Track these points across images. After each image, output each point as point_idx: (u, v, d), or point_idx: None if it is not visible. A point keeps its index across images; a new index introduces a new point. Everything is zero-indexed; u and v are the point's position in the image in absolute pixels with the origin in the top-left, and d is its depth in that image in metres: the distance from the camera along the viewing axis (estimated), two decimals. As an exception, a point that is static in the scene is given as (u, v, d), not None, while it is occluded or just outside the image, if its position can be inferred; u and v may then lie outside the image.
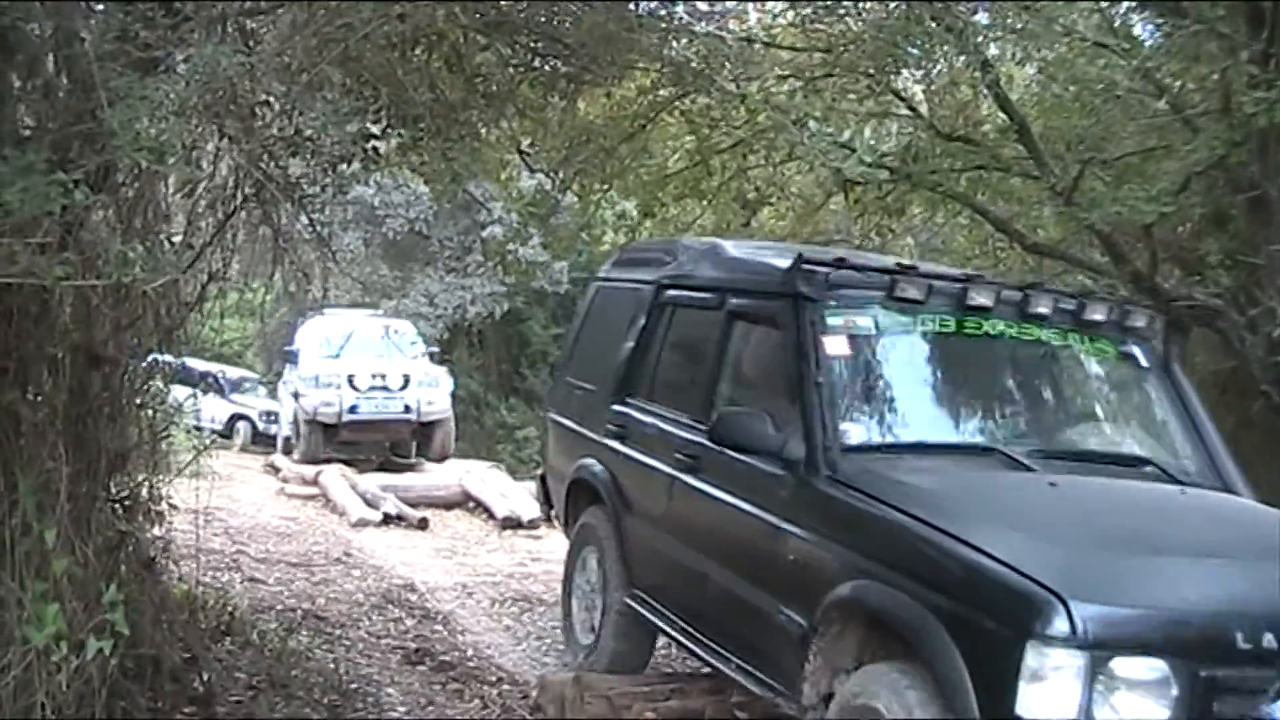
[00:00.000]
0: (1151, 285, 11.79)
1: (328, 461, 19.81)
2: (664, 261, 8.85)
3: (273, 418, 27.80)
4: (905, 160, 12.04)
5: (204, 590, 8.46)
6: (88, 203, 5.12)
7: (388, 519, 15.49)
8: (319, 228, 8.15)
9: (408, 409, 21.31)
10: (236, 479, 18.79)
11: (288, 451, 22.55)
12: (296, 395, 21.71)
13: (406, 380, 21.49)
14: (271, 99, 6.60)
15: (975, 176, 12.60)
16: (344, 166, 7.81)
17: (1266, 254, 11.04)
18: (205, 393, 28.47)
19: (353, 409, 21.00)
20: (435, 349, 25.15)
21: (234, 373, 31.24)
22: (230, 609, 8.60)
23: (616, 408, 8.64)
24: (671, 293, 8.49)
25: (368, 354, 22.13)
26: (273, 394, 29.41)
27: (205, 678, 7.03)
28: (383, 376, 21.34)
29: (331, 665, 8.52)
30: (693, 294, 8.25)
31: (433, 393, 21.80)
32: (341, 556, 12.70)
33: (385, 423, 21.47)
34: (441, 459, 21.70)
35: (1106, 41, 10.94)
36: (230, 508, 14.75)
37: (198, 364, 28.91)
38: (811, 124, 8.84)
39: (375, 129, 8.04)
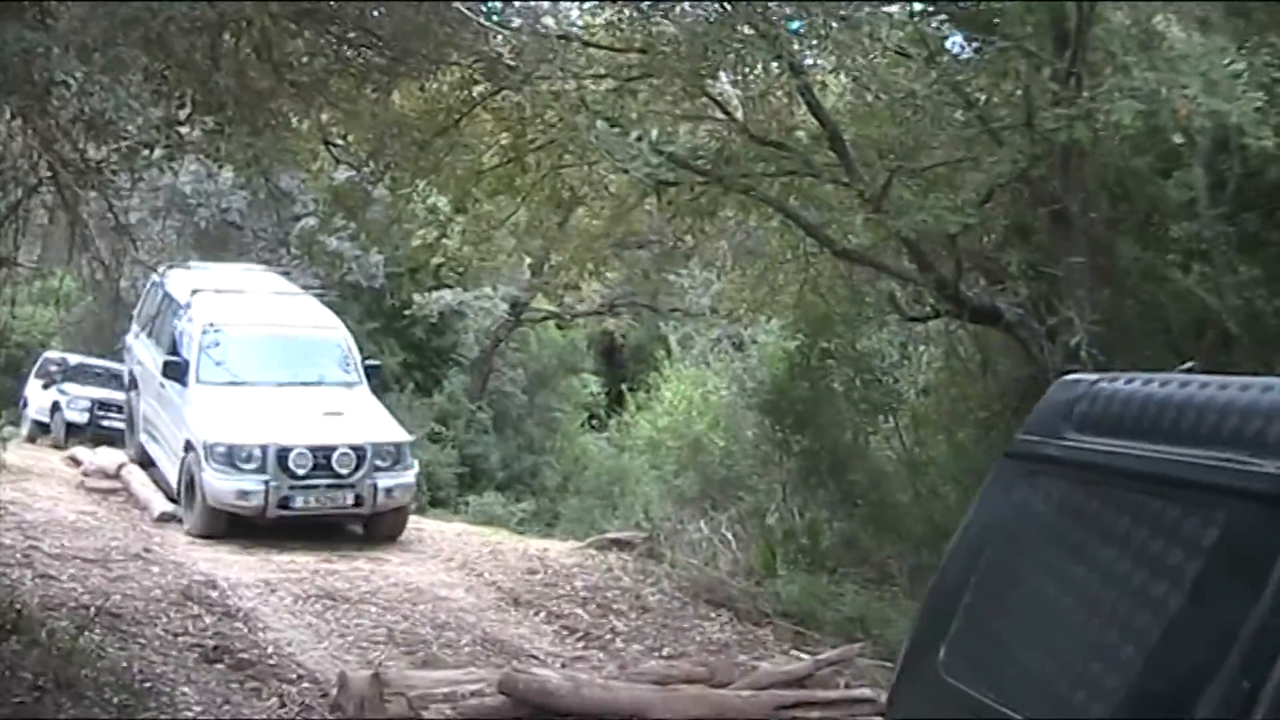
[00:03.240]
0: (955, 293, 12.08)
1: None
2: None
3: (89, 406, 25.88)
4: (717, 163, 12.15)
5: (-11, 587, 8.20)
6: None
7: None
8: (119, 214, 7.93)
9: (359, 501, 14.79)
10: (34, 472, 18.24)
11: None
12: (191, 455, 14.79)
13: (360, 460, 14.72)
14: (69, 79, 6.40)
15: (788, 181, 12.75)
16: (146, 152, 7.61)
17: (1066, 266, 11.41)
18: (47, 385, 27.40)
19: (286, 503, 14.47)
20: (376, 362, 18.63)
21: (83, 360, 28.63)
22: (18, 607, 8.33)
23: None
24: None
25: (293, 386, 15.98)
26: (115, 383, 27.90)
27: (-13, 677, 6.80)
28: (328, 455, 14.62)
29: (124, 664, 8.31)
30: None
31: (396, 477, 15.08)
32: (141, 552, 12.37)
33: (326, 518, 15.13)
34: (388, 541, 15.27)
35: (911, 51, 11.16)
36: (25, 502, 14.26)
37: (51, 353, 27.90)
38: (600, 123, 8.80)
39: (180, 115, 7.87)
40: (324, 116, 10.13)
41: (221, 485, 14.25)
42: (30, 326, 30.12)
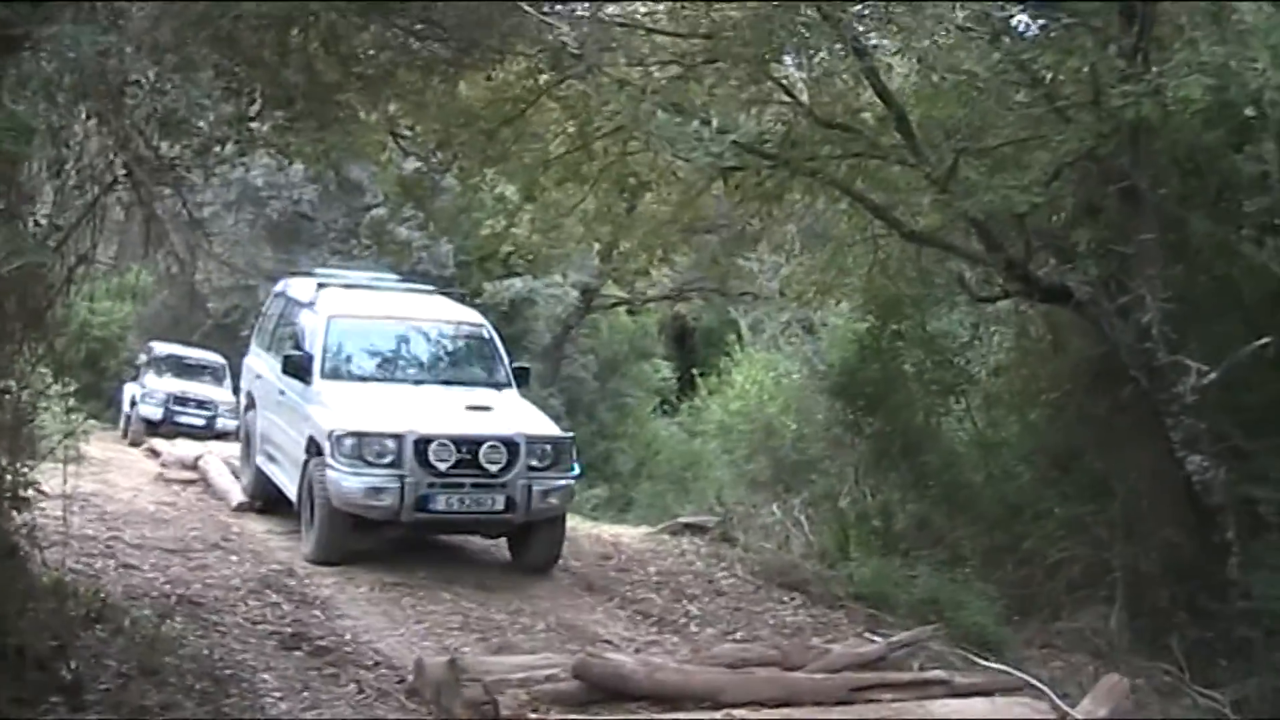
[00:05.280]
0: (1025, 273, 12.03)
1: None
2: None
3: (164, 400, 25.96)
4: (784, 147, 12.14)
5: (74, 578, 8.35)
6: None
7: (270, 503, 15.19)
8: (192, 209, 8.05)
9: (510, 505, 12.33)
10: (115, 464, 18.53)
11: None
12: (316, 454, 12.49)
13: (512, 456, 12.32)
14: (141, 79, 6.52)
15: (854, 164, 12.73)
16: (218, 148, 7.72)
17: (1136, 243, 11.34)
18: (135, 378, 27.48)
19: (424, 503, 12.14)
20: (526, 365, 16.11)
21: (200, 355, 28.74)
22: (102, 596, 8.48)
23: None
24: None
25: (432, 385, 13.76)
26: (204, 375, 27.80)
27: (73, 666, 6.93)
28: (474, 448, 12.25)
29: (206, 651, 8.44)
30: None
31: (551, 479, 12.57)
32: (220, 541, 12.54)
33: (468, 523, 12.94)
34: (540, 569, 12.88)
35: (976, 31, 11.09)
36: (107, 493, 14.51)
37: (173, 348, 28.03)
38: (659, 114, 8.80)
39: (250, 110, 7.97)
40: (391, 108, 10.21)
41: (350, 483, 12.03)
42: (109, 320, 30.53)
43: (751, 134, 12.13)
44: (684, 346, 36.87)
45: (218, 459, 17.75)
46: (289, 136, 8.74)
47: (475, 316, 15.41)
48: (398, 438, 12.11)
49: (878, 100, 12.06)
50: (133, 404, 26.75)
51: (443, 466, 12.11)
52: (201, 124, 7.22)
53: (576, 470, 13.42)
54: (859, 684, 8.56)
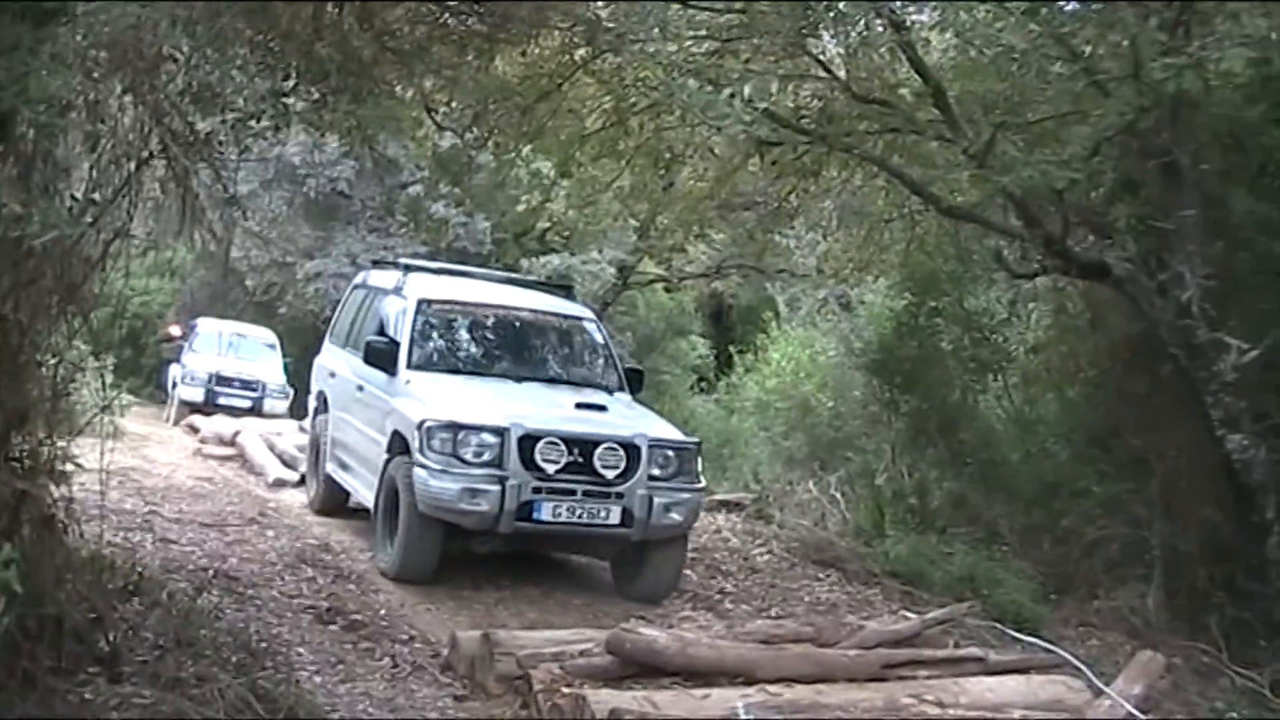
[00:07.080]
0: (1063, 249, 11.94)
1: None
2: None
3: (205, 381, 25.32)
4: (820, 122, 12.08)
5: (113, 550, 8.38)
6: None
7: (305, 479, 15.26)
8: (227, 185, 8.06)
9: (627, 519, 10.74)
10: (154, 439, 18.68)
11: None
12: (401, 453, 11.07)
13: (631, 462, 10.80)
14: (176, 52, 6.52)
15: (891, 139, 12.65)
16: (254, 123, 7.72)
17: (1176, 219, 11.22)
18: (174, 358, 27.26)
19: (527, 511, 10.52)
20: (639, 367, 14.69)
21: (248, 330, 28.17)
22: (139, 569, 8.49)
23: None
24: None
25: (534, 382, 12.13)
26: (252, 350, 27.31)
27: (111, 637, 6.96)
28: (588, 450, 10.71)
29: (241, 624, 8.48)
30: None
31: (675, 490, 10.99)
32: (256, 516, 12.62)
33: (576, 537, 11.21)
34: (653, 599, 11.14)
35: (1015, 5, 10.98)
36: (145, 468, 14.64)
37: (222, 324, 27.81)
38: (690, 82, 8.74)
39: (284, 85, 7.96)
40: (427, 84, 10.18)
41: (440, 483, 10.40)
42: (149, 299, 30.69)
43: (788, 109, 12.07)
44: (721, 324, 36.80)
45: (255, 434, 17.87)
46: (323, 112, 8.73)
47: (581, 309, 13.98)
48: (499, 432, 10.55)
49: (915, 75, 11.97)
50: (174, 386, 26.40)
51: (551, 469, 10.56)
52: (237, 99, 7.22)
53: (703, 484, 11.89)
54: (893, 661, 8.54)
